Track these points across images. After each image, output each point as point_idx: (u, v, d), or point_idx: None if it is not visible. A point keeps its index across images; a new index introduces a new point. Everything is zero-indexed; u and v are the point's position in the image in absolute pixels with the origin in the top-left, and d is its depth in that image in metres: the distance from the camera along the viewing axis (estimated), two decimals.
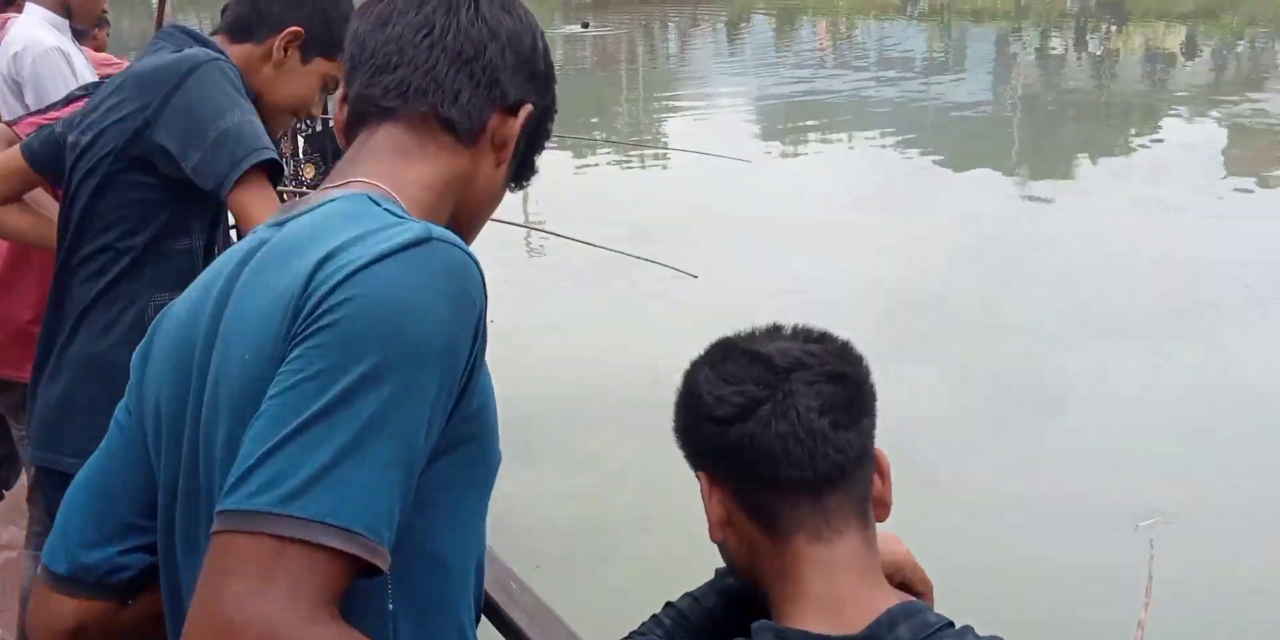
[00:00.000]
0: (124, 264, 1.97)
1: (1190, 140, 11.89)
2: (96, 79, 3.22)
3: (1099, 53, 21.20)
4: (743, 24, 27.25)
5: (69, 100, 2.41)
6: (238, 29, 2.04)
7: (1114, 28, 25.03)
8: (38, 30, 3.25)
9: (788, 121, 14.00)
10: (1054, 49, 21.66)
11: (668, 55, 22.21)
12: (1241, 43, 21.60)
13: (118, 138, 1.91)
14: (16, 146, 2.12)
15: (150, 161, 1.91)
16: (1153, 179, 10.02)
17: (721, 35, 25.35)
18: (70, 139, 1.98)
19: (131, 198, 1.95)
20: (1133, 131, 12.93)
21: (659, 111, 15.48)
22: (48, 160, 2.07)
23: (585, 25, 24.14)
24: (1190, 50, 21.20)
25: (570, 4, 32.05)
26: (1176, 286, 6.97)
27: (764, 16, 28.38)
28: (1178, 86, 16.84)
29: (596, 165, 11.32)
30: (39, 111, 2.39)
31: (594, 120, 14.38)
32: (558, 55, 20.56)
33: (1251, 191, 9.76)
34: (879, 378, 1.11)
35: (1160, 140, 12.32)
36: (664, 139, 12.90)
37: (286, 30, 2.01)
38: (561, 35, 23.75)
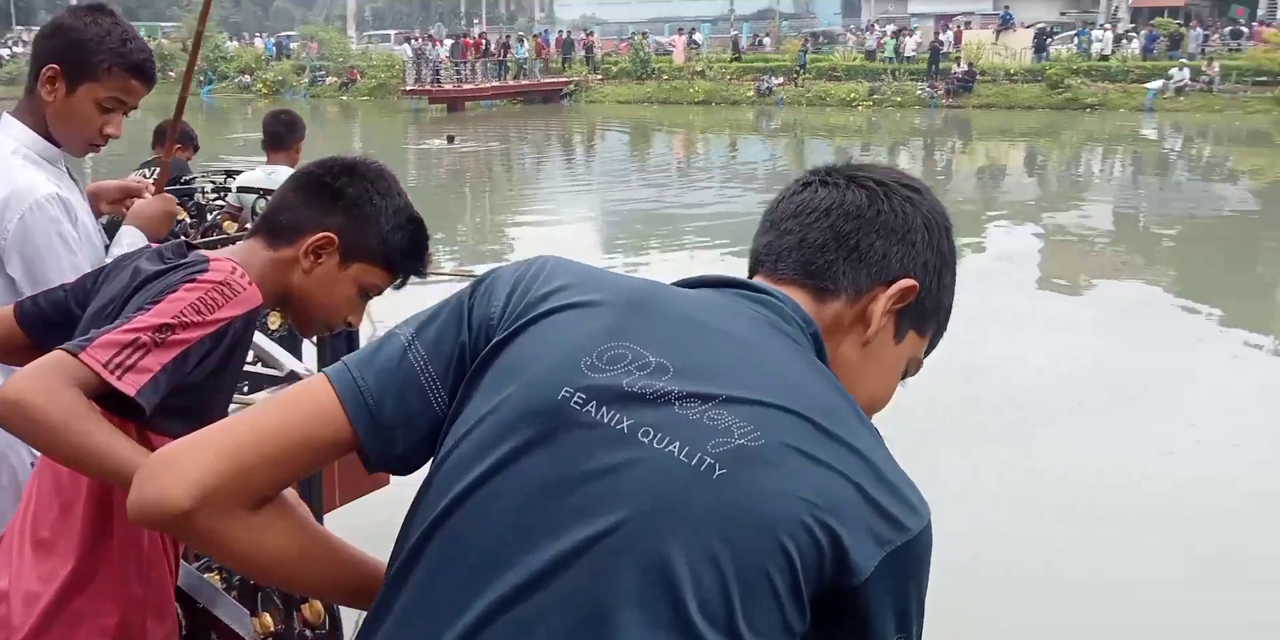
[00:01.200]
0: None
1: (1009, 249, 13.34)
2: None
3: (941, 167, 23.09)
4: (596, 139, 28.77)
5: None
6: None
7: (959, 143, 27.32)
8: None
9: (628, 235, 15.14)
10: (899, 163, 23.43)
11: (523, 170, 23.31)
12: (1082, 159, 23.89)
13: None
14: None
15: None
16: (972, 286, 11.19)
17: (578, 150, 26.69)
18: (665, 448, 1.07)
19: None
20: (958, 241, 14.25)
21: (508, 226, 16.40)
22: None
23: (451, 139, 25.11)
24: (1030, 165, 23.33)
25: (422, 119, 33.25)
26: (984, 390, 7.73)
27: (619, 132, 29.99)
28: (1008, 199, 18.56)
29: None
30: None
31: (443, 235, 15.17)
32: (416, 173, 20.87)
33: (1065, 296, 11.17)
34: None
35: (983, 250, 13.56)
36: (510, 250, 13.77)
37: None
38: (418, 150, 24.75)
